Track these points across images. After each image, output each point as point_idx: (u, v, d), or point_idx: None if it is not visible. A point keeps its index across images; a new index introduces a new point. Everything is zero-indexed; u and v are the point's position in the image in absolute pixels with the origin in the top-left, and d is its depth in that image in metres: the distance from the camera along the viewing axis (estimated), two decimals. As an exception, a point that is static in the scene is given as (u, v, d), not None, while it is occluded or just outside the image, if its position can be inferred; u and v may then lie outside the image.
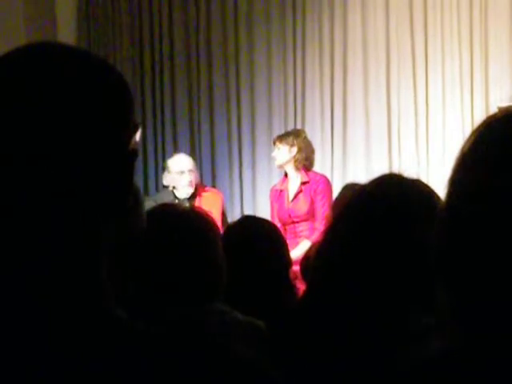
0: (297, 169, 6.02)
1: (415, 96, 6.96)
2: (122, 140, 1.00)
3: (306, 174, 6.01)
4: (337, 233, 1.64)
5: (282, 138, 6.14)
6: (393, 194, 1.61)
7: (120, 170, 1.00)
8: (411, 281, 1.49)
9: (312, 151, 6.28)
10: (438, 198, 1.59)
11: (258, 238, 2.83)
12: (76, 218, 0.96)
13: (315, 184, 5.94)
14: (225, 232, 3.02)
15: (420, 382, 0.92)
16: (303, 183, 5.99)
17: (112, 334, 0.95)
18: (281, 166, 6.09)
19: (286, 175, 6.14)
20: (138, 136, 1.11)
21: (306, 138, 6.26)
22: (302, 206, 5.91)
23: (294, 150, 6.03)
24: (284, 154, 6.02)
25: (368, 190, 1.68)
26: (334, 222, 1.72)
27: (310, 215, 5.88)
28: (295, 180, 6.04)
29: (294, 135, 6.21)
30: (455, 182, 0.92)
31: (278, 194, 6.13)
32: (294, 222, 5.93)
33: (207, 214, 2.40)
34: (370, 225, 1.57)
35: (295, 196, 5.98)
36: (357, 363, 1.45)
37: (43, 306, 0.95)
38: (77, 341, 0.93)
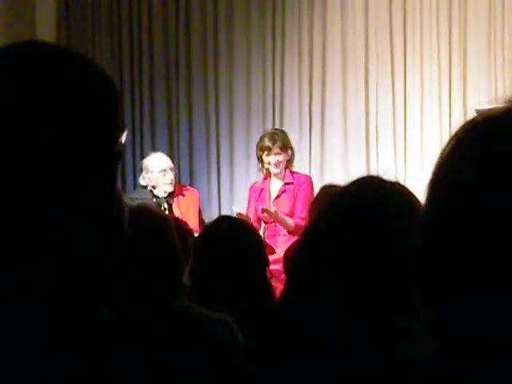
0: (284, 170, 6.01)
1: (393, 99, 7.00)
2: (110, 141, 1.01)
3: (291, 175, 6.01)
4: (316, 235, 1.65)
5: (277, 140, 6.00)
6: (371, 196, 1.62)
7: (107, 170, 1.01)
8: (392, 281, 1.50)
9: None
10: (416, 200, 1.60)
11: (234, 237, 2.84)
12: (64, 217, 0.97)
13: (299, 184, 5.92)
14: (201, 232, 3.02)
15: (413, 382, 0.92)
16: (287, 183, 5.97)
17: (98, 336, 0.95)
18: (280, 172, 6.00)
19: (268, 175, 6.09)
20: (123, 137, 1.12)
21: None
22: (285, 206, 5.89)
23: (290, 152, 6.05)
24: (284, 159, 5.98)
25: (347, 192, 1.69)
26: (313, 223, 1.73)
27: (292, 215, 5.87)
28: (279, 180, 6.02)
29: (286, 135, 6.18)
30: (435, 186, 0.92)
31: (258, 193, 6.10)
32: (275, 221, 5.92)
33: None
34: (349, 227, 1.58)
35: (278, 195, 5.96)
36: (344, 366, 1.46)
37: (29, 308, 0.95)
38: (63, 342, 0.93)
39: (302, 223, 5.52)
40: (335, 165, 7.04)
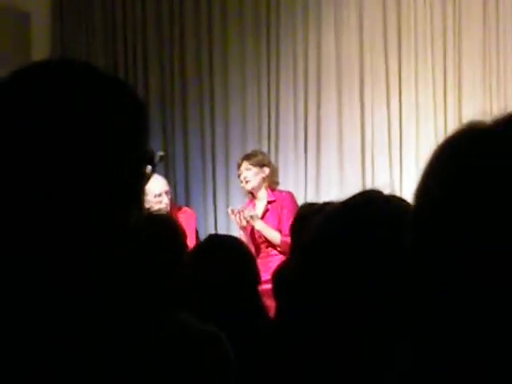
0: (265, 189, 5.97)
1: (389, 118, 7.01)
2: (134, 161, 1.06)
3: (272, 193, 5.97)
4: (310, 251, 1.60)
5: (250, 157, 6.04)
6: (369, 210, 1.58)
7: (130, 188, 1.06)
8: (384, 298, 1.46)
9: (277, 170, 6.26)
10: None
11: (223, 254, 2.82)
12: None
13: (281, 201, 5.89)
14: (191, 251, 2.99)
15: None
16: (269, 202, 5.94)
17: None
18: (253, 189, 6.02)
19: (250, 199, 6.07)
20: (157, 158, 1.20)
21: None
22: (270, 225, 5.85)
23: (267, 170, 5.99)
24: (257, 175, 5.96)
25: (344, 207, 1.64)
26: (307, 239, 1.67)
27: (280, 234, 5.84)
28: (262, 200, 5.99)
29: (262, 154, 6.21)
30: (419, 191, 0.94)
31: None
32: (265, 242, 5.88)
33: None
34: (345, 242, 1.54)
35: (263, 216, 5.92)
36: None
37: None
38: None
39: (289, 240, 5.51)
40: (331, 184, 7.03)
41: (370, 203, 1.57)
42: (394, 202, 1.59)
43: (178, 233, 2.33)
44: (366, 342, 1.45)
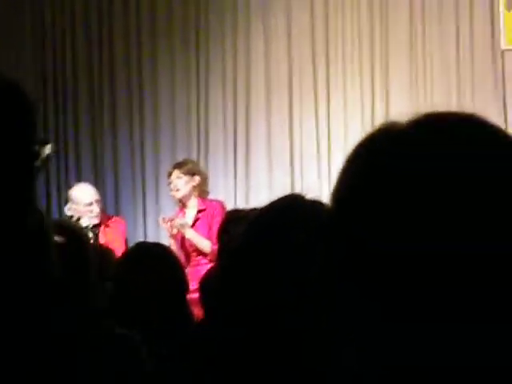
0: (196, 198, 5.98)
1: (317, 121, 7.10)
2: (22, 153, 1.03)
3: (202, 202, 5.98)
4: (234, 257, 1.61)
5: (181, 166, 6.05)
6: (291, 215, 1.59)
7: (20, 183, 1.03)
8: (307, 301, 1.47)
9: (207, 179, 6.26)
10: None
11: (150, 262, 2.80)
12: None
13: (212, 210, 5.90)
14: (119, 259, 2.99)
15: None
16: (199, 211, 5.95)
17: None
18: (183, 198, 6.01)
19: (181, 208, 6.08)
20: (46, 150, 1.15)
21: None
22: (200, 234, 5.85)
23: (197, 178, 6.00)
24: (187, 184, 5.96)
25: (266, 212, 1.65)
26: (234, 245, 1.69)
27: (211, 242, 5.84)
28: (192, 209, 5.99)
29: (193, 163, 6.23)
30: (337, 189, 0.93)
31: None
32: (195, 251, 5.87)
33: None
34: (268, 248, 1.55)
35: (193, 224, 5.91)
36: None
37: None
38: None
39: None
40: (260, 191, 7.06)
41: (288, 208, 1.59)
42: (314, 205, 1.61)
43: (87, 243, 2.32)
44: (285, 345, 1.46)
